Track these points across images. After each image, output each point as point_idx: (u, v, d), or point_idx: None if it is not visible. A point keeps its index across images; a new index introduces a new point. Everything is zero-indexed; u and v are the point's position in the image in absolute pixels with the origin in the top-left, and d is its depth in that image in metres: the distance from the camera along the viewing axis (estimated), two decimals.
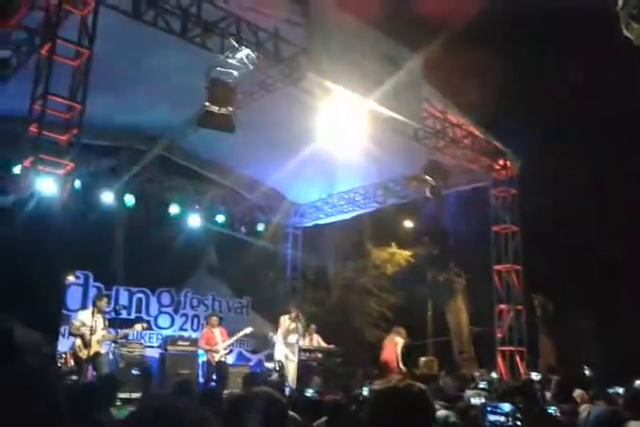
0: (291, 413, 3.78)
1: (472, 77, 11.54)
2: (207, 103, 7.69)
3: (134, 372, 9.03)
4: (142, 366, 8.88)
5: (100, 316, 8.58)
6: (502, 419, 3.22)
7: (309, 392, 7.80)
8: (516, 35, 12.80)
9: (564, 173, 13.55)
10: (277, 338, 10.91)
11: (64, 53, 6.47)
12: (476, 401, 5.35)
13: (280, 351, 10.79)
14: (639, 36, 3.29)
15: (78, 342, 8.25)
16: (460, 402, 6.08)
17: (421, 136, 10.44)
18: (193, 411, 4.14)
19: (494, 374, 11.64)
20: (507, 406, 3.31)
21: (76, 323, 8.43)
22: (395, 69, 8.98)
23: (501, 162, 11.51)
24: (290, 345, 10.74)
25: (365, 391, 7.21)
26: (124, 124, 10.58)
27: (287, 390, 8.46)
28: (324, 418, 3.66)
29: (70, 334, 8.62)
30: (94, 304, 8.68)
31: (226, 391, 6.04)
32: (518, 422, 3.24)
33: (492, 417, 3.28)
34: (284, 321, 10.89)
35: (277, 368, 10.42)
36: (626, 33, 3.46)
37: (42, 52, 6.50)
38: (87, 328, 8.21)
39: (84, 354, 8.22)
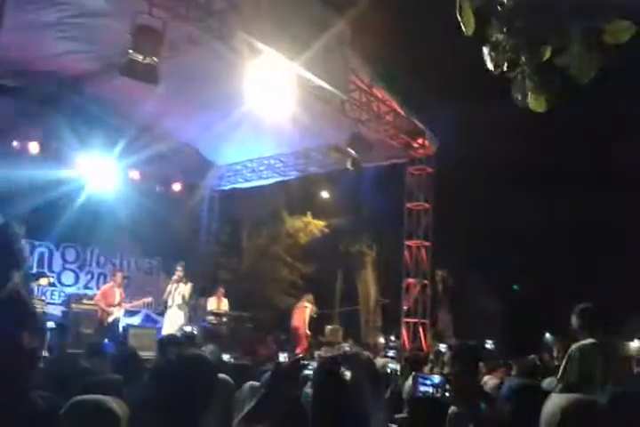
0: (222, 375, 3.75)
1: (398, 48, 11.58)
2: (130, 51, 7.28)
3: (50, 325, 8.64)
4: (58, 319, 8.50)
5: None
6: (431, 390, 3.34)
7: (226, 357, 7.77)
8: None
9: (479, 153, 14.07)
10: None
11: None
12: (393, 367, 5.57)
13: (166, 316, 10.70)
14: (469, 23, 3.04)
15: None
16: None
17: (347, 108, 10.45)
18: (103, 374, 4.03)
19: (382, 340, 12.13)
20: (436, 378, 3.44)
21: None
22: (322, 34, 8.85)
23: (420, 141, 11.77)
24: (170, 308, 10.71)
25: (282, 358, 7.29)
26: (37, 63, 9.84)
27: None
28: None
29: None
30: None
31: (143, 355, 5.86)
32: (446, 394, 3.38)
33: (422, 388, 3.39)
34: (170, 284, 10.83)
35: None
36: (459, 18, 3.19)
37: None
38: None
39: None
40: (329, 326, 13.46)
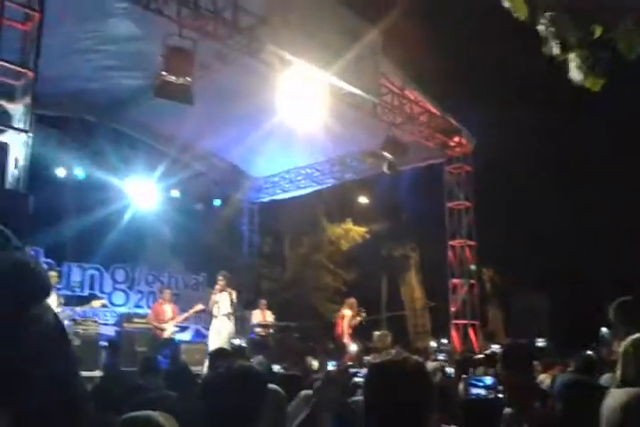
0: (273, 386, 3.77)
1: (431, 53, 11.57)
2: (163, 72, 7.44)
3: (102, 343, 8.86)
4: (111, 338, 8.73)
5: (51, 293, 8.39)
6: (483, 392, 3.28)
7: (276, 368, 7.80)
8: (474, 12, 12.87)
9: (518, 151, 13.85)
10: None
11: (13, 17, 6.12)
12: (449, 371, 5.51)
13: (212, 327, 10.27)
14: (522, 8, 3.07)
15: None
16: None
17: (380, 112, 10.45)
18: (156, 390, 4.08)
19: (433, 344, 11.98)
20: (488, 380, 3.37)
21: None
22: (354, 43, 8.90)
23: (456, 139, 11.67)
24: (216, 318, 10.24)
25: (330, 367, 7.29)
26: (74, 93, 10.16)
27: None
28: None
29: None
30: None
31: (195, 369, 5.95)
32: (500, 395, 3.31)
33: (474, 390, 3.33)
34: (212, 294, 10.40)
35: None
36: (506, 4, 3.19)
37: None
38: None
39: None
40: (376, 332, 13.32)
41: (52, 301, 8.16)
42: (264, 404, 1.97)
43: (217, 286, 10.26)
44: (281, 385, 4.04)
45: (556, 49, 2.75)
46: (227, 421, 1.86)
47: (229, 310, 10.33)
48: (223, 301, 10.18)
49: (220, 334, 10.09)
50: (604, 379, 4.28)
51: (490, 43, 13.38)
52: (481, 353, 10.15)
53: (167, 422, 1.93)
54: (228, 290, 10.26)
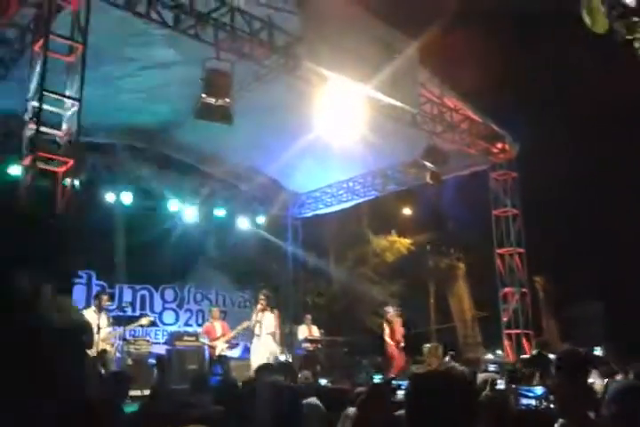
0: (314, 400, 3.73)
1: (468, 61, 11.45)
2: (204, 95, 7.58)
3: (151, 361, 9.00)
4: (159, 356, 8.86)
5: (103, 314, 8.61)
6: (534, 402, 3.17)
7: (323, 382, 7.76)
8: (512, 18, 12.72)
9: (564, 155, 13.52)
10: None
11: (57, 49, 6.36)
12: (500, 382, 5.35)
13: (253, 346, 10.28)
14: (602, 22, 3.27)
15: None
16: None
17: (419, 122, 10.37)
18: (205, 407, 4.09)
19: (491, 356, 11.67)
20: (539, 390, 3.26)
21: None
22: (391, 55, 8.89)
23: (499, 145, 11.47)
24: (259, 338, 10.24)
25: (377, 380, 7.19)
26: (118, 120, 10.46)
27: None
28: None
29: None
30: (95, 302, 8.71)
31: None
32: (551, 405, 3.20)
33: (524, 400, 3.23)
34: (254, 313, 10.40)
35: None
36: (586, 19, 3.38)
37: (35, 49, 6.38)
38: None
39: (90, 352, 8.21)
40: (427, 345, 13.12)
41: (103, 321, 8.38)
42: (300, 417, 1.95)
43: (259, 306, 10.29)
44: (328, 399, 4.00)
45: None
46: None
47: (272, 329, 10.34)
48: (266, 319, 10.22)
49: (262, 353, 10.03)
50: None
51: (532, 47, 13.19)
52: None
53: None
54: (270, 309, 10.26)
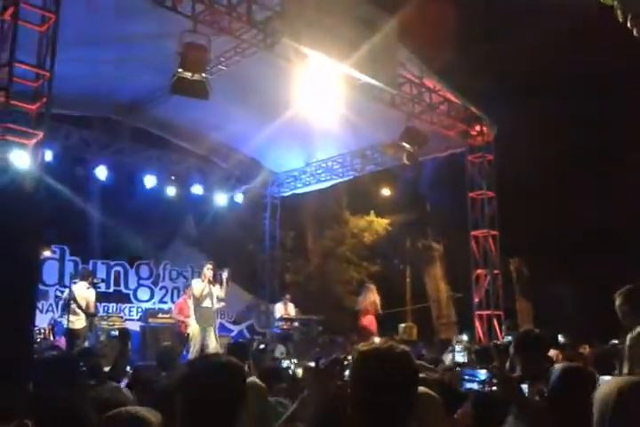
0: (254, 379, 3.77)
1: (448, 42, 11.41)
2: (180, 69, 7.47)
3: (112, 333, 9.05)
4: (121, 329, 8.87)
5: (92, 290, 8.83)
6: (476, 386, 3.21)
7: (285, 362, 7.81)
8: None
9: (541, 138, 13.63)
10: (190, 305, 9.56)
11: (29, 19, 6.19)
12: (459, 359, 5.45)
13: (193, 323, 9.27)
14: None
15: (72, 317, 8.39)
16: (440, 365, 6.22)
17: (398, 102, 10.34)
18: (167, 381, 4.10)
19: (465, 337, 11.88)
20: (482, 374, 3.30)
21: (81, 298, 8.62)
22: (370, 33, 8.80)
23: (477, 128, 11.49)
24: (207, 310, 9.27)
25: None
26: (94, 93, 10.27)
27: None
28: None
29: (78, 308, 8.69)
30: (85, 278, 8.86)
31: None
32: (494, 388, 3.24)
33: (468, 384, 3.28)
34: (197, 285, 9.32)
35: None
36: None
37: (5, 17, 6.20)
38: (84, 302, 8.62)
39: (78, 326, 8.45)
40: (402, 324, 13.32)
41: (93, 296, 8.54)
42: (243, 397, 1.97)
43: (205, 277, 9.34)
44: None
45: None
46: (205, 414, 1.87)
47: (217, 304, 9.56)
48: (214, 292, 9.35)
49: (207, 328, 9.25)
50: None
51: (512, 30, 13.17)
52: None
53: (153, 416, 1.95)
54: (214, 282, 9.40)
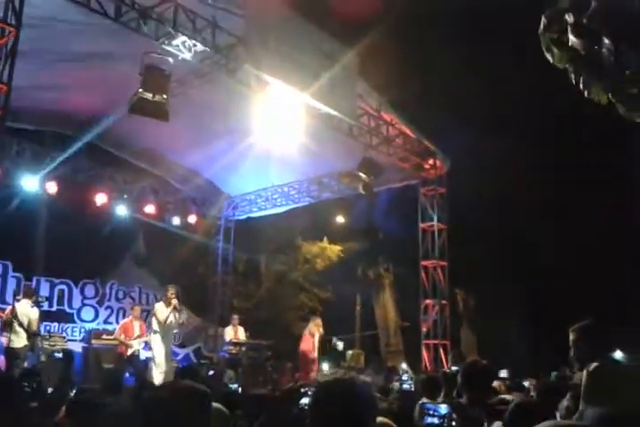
0: (218, 405, 3.75)
1: (407, 76, 11.78)
2: (141, 90, 7.50)
3: (57, 355, 8.80)
4: (65, 351, 8.69)
5: (36, 309, 8.60)
6: (437, 421, 3.26)
7: (233, 387, 7.72)
8: (445, 34, 13.18)
9: (492, 174, 14.09)
10: (154, 329, 9.42)
11: None
12: (406, 387, 5.54)
13: (158, 346, 9.31)
14: (560, 60, 3.51)
15: (13, 335, 8.14)
16: (393, 394, 6.29)
17: (356, 133, 10.58)
18: (116, 406, 4.04)
19: (404, 365, 12.03)
20: (443, 408, 3.35)
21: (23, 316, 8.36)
22: (330, 65, 9.05)
23: (431, 161, 11.83)
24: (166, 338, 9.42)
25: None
26: (50, 108, 10.14)
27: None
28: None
29: (19, 326, 8.41)
30: (29, 296, 8.62)
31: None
32: (453, 423, 3.31)
33: (429, 419, 3.32)
34: (160, 308, 9.36)
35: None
36: (547, 56, 3.64)
37: None
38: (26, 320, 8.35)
39: (18, 345, 8.21)
40: (350, 351, 13.35)
41: (36, 315, 8.28)
42: (208, 422, 1.98)
43: (171, 302, 9.47)
44: (250, 405, 4.03)
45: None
46: None
47: (176, 328, 9.93)
48: (175, 317, 9.53)
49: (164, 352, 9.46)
50: (563, 404, 4.30)
51: (468, 68, 13.70)
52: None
53: None
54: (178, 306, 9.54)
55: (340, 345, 10.59)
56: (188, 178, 13.15)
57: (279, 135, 9.49)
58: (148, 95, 7.54)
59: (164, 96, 7.65)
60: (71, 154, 11.13)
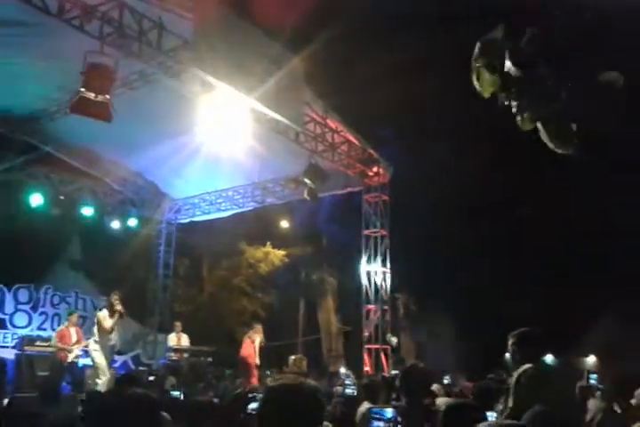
0: (163, 413, 3.70)
1: (348, 84, 11.93)
2: (82, 89, 7.28)
3: None
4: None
5: None
6: (383, 425, 3.30)
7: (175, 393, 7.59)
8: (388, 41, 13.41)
9: (435, 181, 14.44)
10: (94, 337, 9.21)
11: None
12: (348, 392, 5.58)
13: (99, 354, 9.09)
14: (488, 88, 3.56)
15: None
16: (335, 398, 6.35)
17: (302, 139, 10.63)
18: (55, 416, 3.92)
19: (342, 369, 12.19)
20: (389, 412, 3.40)
21: None
22: (277, 70, 9.07)
23: (375, 169, 12.02)
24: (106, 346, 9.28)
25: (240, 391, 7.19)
26: None
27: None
28: None
29: None
30: None
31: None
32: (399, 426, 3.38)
33: (375, 423, 3.35)
34: (104, 317, 9.21)
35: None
36: (474, 83, 3.64)
37: None
38: None
39: None
40: (292, 356, 13.33)
41: None
42: None
43: (116, 308, 9.29)
44: (192, 411, 3.98)
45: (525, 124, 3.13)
46: None
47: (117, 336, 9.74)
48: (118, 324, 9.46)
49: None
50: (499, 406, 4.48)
51: (413, 76, 14.00)
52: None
53: None
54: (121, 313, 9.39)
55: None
56: (128, 179, 12.86)
57: (225, 139, 9.43)
58: (90, 95, 7.33)
59: (107, 96, 7.45)
60: (4, 152, 10.71)
